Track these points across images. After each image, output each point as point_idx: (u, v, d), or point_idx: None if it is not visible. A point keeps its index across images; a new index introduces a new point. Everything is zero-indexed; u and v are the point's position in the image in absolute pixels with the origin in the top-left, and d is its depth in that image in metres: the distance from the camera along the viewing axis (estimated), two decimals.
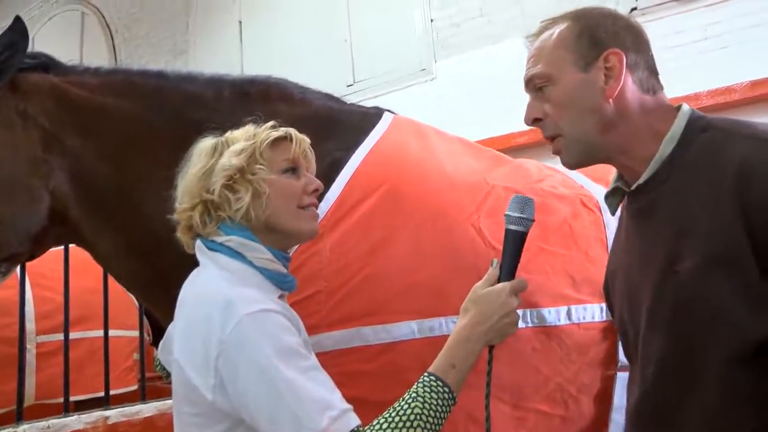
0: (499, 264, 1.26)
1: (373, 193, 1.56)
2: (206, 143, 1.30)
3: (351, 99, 2.10)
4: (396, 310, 1.45)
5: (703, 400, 1.06)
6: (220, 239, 1.22)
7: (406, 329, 1.44)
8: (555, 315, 1.57)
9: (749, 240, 1.01)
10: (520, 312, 1.51)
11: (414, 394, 1.08)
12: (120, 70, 1.83)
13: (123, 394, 2.97)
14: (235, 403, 1.07)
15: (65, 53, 1.91)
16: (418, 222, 1.54)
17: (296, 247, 1.48)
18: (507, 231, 1.27)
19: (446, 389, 1.10)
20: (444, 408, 1.09)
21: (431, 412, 1.06)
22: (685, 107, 1.20)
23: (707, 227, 1.05)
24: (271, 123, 1.32)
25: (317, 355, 1.25)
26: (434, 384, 1.10)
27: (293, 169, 1.29)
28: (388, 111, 1.87)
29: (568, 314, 1.57)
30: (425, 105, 5.30)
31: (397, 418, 1.04)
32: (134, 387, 3.17)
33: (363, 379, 1.41)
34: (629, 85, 1.18)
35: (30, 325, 2.79)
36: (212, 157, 1.26)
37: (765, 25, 4.26)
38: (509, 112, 1.22)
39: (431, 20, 5.93)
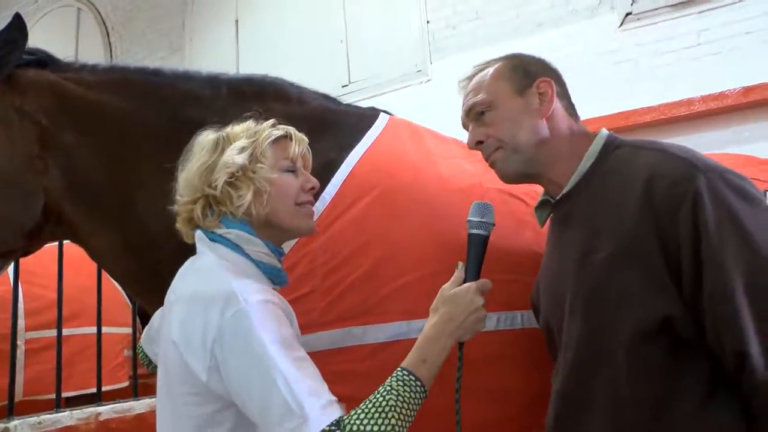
0: (464, 266, 1.33)
1: (367, 194, 1.57)
2: (208, 137, 1.34)
3: (346, 99, 2.11)
4: (388, 310, 1.47)
5: (613, 373, 1.19)
6: (220, 231, 1.28)
7: (399, 329, 1.46)
8: None
9: (656, 236, 1.15)
10: (512, 314, 1.54)
11: (388, 387, 1.14)
12: (117, 68, 1.83)
13: (113, 391, 2.97)
14: (227, 387, 1.13)
15: (61, 49, 1.91)
16: (412, 223, 1.55)
17: (292, 243, 1.49)
18: (469, 235, 1.35)
19: (418, 383, 1.16)
20: (416, 400, 1.15)
21: (404, 403, 1.12)
22: (604, 131, 1.38)
23: (617, 225, 1.21)
24: (271, 121, 1.36)
25: (310, 354, 1.26)
26: (407, 378, 1.16)
27: (292, 168, 1.34)
28: (384, 112, 1.88)
29: None
30: (421, 106, 5.30)
31: (373, 409, 1.10)
32: (125, 384, 3.17)
33: (355, 378, 1.41)
34: (558, 109, 1.39)
35: (19, 322, 2.78)
36: (214, 153, 1.30)
37: (757, 32, 4.29)
38: None
39: (427, 22, 5.94)
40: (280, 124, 1.36)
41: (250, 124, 1.36)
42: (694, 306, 1.14)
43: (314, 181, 1.36)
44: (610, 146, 1.33)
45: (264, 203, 1.28)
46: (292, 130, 1.36)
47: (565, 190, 1.34)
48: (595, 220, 1.26)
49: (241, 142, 1.30)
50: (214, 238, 1.28)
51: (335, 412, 1.09)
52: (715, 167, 1.18)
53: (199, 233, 1.30)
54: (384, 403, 1.11)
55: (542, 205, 1.44)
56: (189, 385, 1.18)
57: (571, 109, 1.42)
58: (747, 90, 4.23)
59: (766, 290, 1.10)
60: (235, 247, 1.26)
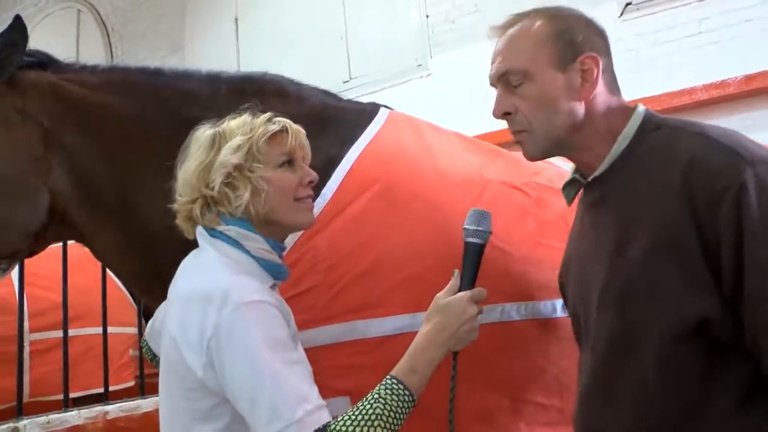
0: (460, 274, 1.31)
1: (368, 189, 1.58)
2: (204, 134, 1.33)
3: (347, 95, 2.11)
4: (391, 304, 1.47)
5: (639, 369, 1.12)
6: (220, 227, 1.28)
7: (401, 322, 1.46)
8: (550, 308, 1.59)
9: (696, 230, 1.06)
10: (515, 305, 1.54)
11: (376, 395, 1.14)
12: (118, 68, 1.84)
13: (119, 391, 2.98)
14: (221, 383, 1.14)
15: (61, 50, 1.92)
16: (413, 217, 1.56)
17: (293, 239, 1.49)
18: (465, 243, 1.33)
19: (407, 392, 1.16)
20: (403, 409, 1.14)
21: (391, 413, 1.12)
22: (641, 108, 1.25)
23: (655, 215, 1.11)
24: (267, 116, 1.35)
25: (313, 349, 1.28)
26: (395, 387, 1.16)
27: (289, 162, 1.33)
28: (385, 106, 1.89)
29: (563, 307, 1.59)
30: (421, 100, 5.30)
31: (360, 417, 1.10)
32: (130, 383, 3.19)
33: (359, 372, 1.43)
34: (600, 89, 1.22)
35: (25, 324, 2.80)
36: (211, 151, 1.30)
37: (757, 20, 4.27)
38: None
39: (426, 16, 5.93)
40: (275, 117, 1.35)
41: (246, 118, 1.34)
42: (733, 306, 1.06)
43: (313, 175, 1.36)
44: (648, 126, 1.21)
45: (262, 202, 1.27)
46: (287, 122, 1.35)
47: (597, 173, 1.23)
48: (631, 208, 1.16)
49: (237, 140, 1.29)
50: (214, 234, 1.28)
51: (323, 417, 1.10)
52: (763, 158, 1.07)
53: (200, 229, 1.31)
54: (371, 412, 1.11)
55: (571, 184, 1.33)
56: (187, 380, 1.19)
57: (613, 83, 1.26)
58: (749, 78, 4.23)
59: None
60: (235, 244, 1.26)
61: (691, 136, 1.14)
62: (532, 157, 1.29)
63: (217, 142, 1.30)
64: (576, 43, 1.21)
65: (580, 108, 1.21)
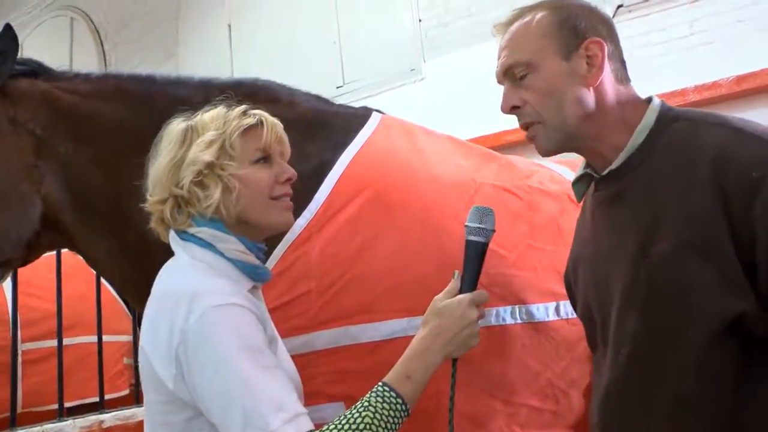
0: (461, 275, 1.24)
1: (360, 194, 1.58)
2: (176, 128, 1.25)
3: (341, 100, 2.11)
4: (384, 309, 1.47)
5: (680, 382, 1.07)
6: (191, 230, 1.20)
7: (395, 327, 1.46)
8: (543, 311, 1.58)
9: (728, 225, 1.03)
10: (509, 309, 1.54)
11: (366, 403, 1.07)
12: (110, 76, 1.84)
13: (113, 399, 2.96)
14: (192, 394, 1.07)
15: (55, 58, 1.93)
16: (406, 221, 1.56)
17: (285, 244, 1.49)
18: (467, 242, 1.26)
19: (399, 400, 1.09)
20: (395, 419, 1.07)
21: (381, 422, 1.05)
22: (656, 100, 1.22)
23: (682, 212, 1.07)
24: (241, 108, 1.27)
25: (307, 354, 1.26)
26: (387, 394, 1.09)
27: (265, 158, 1.25)
28: (377, 111, 1.89)
29: (557, 310, 1.59)
30: (415, 105, 5.32)
31: (347, 426, 1.03)
32: (124, 392, 3.17)
33: (353, 377, 1.42)
34: (608, 75, 1.20)
35: (17, 333, 2.79)
36: (182, 147, 1.22)
37: (748, 21, 4.30)
38: (498, 111, 1.23)
39: (419, 20, 5.95)
40: (251, 109, 1.27)
41: (220, 111, 1.25)
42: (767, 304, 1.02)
43: (291, 171, 1.27)
44: (666, 117, 1.17)
45: (234, 201, 1.19)
46: (264, 115, 1.26)
47: (613, 167, 1.19)
48: (655, 205, 1.11)
49: (209, 135, 1.20)
50: (186, 237, 1.20)
51: (301, 425, 1.02)
52: None
53: (171, 233, 1.23)
54: (359, 421, 1.04)
55: (581, 179, 1.29)
56: (159, 393, 1.12)
57: (622, 71, 1.23)
58: (740, 79, 4.24)
59: None
60: (208, 246, 1.19)
61: (714, 128, 1.11)
62: (545, 152, 1.25)
63: (188, 138, 1.22)
64: (579, 29, 1.20)
65: (589, 95, 1.19)
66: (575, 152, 1.27)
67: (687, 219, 1.06)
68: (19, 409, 2.60)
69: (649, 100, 1.23)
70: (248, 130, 1.23)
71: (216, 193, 1.18)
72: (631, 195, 1.17)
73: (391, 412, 1.07)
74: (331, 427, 1.04)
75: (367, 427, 1.04)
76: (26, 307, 3.04)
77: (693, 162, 1.08)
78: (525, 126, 1.25)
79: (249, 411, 1.01)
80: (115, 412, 2.68)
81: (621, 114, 1.20)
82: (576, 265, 1.35)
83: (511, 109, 1.24)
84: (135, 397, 2.92)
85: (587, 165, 1.28)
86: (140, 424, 2.66)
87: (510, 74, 1.24)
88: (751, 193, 1.01)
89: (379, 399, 1.08)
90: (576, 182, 1.30)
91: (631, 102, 1.22)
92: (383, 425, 1.05)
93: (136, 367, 2.94)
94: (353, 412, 1.06)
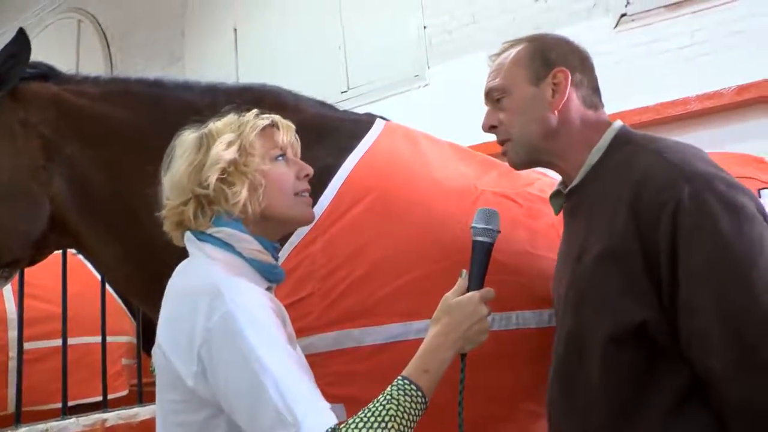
0: (468, 274, 1.29)
1: (364, 199, 1.60)
2: (189, 136, 1.28)
3: (345, 105, 2.14)
4: (385, 312, 1.49)
5: (588, 372, 1.21)
6: (209, 230, 1.22)
7: (397, 330, 1.48)
8: (543, 317, 1.59)
9: (639, 241, 1.15)
10: (507, 315, 1.56)
11: (389, 396, 1.09)
12: (118, 80, 1.87)
13: (111, 400, 2.93)
14: (215, 392, 1.07)
15: (62, 61, 1.95)
16: (408, 225, 1.58)
17: (290, 246, 1.51)
18: (474, 242, 1.32)
19: (419, 393, 1.11)
20: (416, 410, 1.10)
21: (404, 414, 1.07)
22: (617, 123, 1.36)
23: (606, 226, 1.21)
24: (254, 112, 1.30)
25: (310, 356, 1.27)
26: (408, 387, 1.11)
27: (283, 155, 1.29)
28: (381, 117, 1.92)
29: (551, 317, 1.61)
30: (419, 111, 5.33)
31: (372, 418, 1.05)
32: (123, 393, 3.14)
33: (355, 379, 1.44)
34: (574, 101, 1.35)
35: (12, 333, 2.79)
36: (199, 152, 1.24)
37: (749, 32, 4.31)
38: None
39: (424, 27, 5.97)
40: (263, 113, 1.30)
41: (232, 117, 1.29)
42: (670, 314, 1.13)
43: (308, 168, 1.31)
44: (619, 141, 1.31)
45: (260, 197, 1.22)
46: (277, 117, 1.30)
47: (573, 183, 1.34)
48: (591, 219, 1.27)
49: (227, 137, 1.23)
50: (202, 238, 1.22)
51: (329, 419, 1.04)
52: (704, 174, 1.15)
53: (188, 235, 1.24)
54: (384, 413, 1.06)
55: (556, 195, 1.44)
56: (177, 392, 1.12)
57: (592, 97, 1.38)
58: (741, 88, 4.25)
59: (737, 306, 1.07)
60: (226, 246, 1.20)
61: (648, 153, 1.23)
62: (514, 165, 1.42)
63: (205, 143, 1.25)
64: (550, 60, 1.36)
65: (553, 117, 1.34)
66: (545, 167, 1.43)
67: (609, 233, 1.19)
68: (11, 409, 2.60)
69: (611, 123, 1.36)
70: (264, 130, 1.28)
71: (243, 190, 1.21)
72: (582, 208, 1.32)
73: (413, 404, 1.10)
74: (356, 420, 1.05)
75: (392, 419, 1.06)
76: (26, 306, 3.05)
77: (623, 182, 1.22)
78: (500, 143, 1.42)
79: (277, 406, 1.01)
80: (117, 411, 2.69)
81: (583, 135, 1.34)
82: (555, 269, 1.47)
83: (489, 128, 1.42)
84: (138, 397, 2.93)
85: (561, 182, 1.42)
86: (143, 423, 2.69)
87: (490, 97, 1.42)
88: (656, 215, 1.13)
89: (401, 392, 1.10)
90: (552, 197, 1.46)
91: (594, 125, 1.35)
92: (406, 417, 1.08)
93: (138, 367, 2.99)
94: (376, 405, 1.08)
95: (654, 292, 1.14)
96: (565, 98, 1.33)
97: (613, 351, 1.17)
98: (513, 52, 1.41)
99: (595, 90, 1.39)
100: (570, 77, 1.34)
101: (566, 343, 1.27)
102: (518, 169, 1.44)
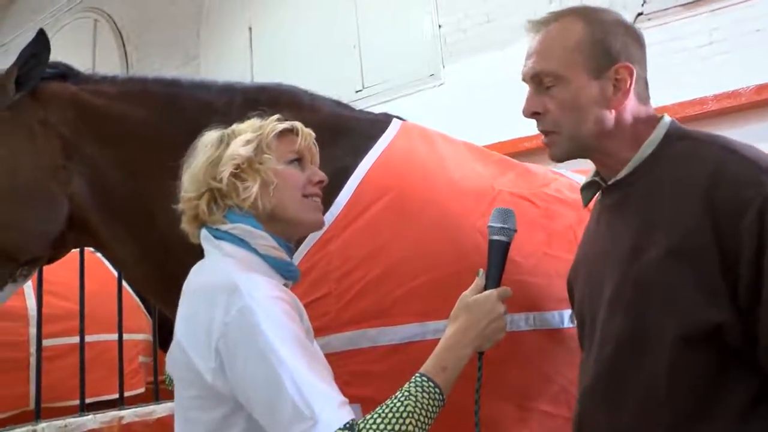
0: (485, 273, 1.30)
1: (380, 199, 1.60)
2: (212, 135, 1.31)
3: (360, 104, 2.14)
4: (402, 312, 1.49)
5: (649, 371, 1.12)
6: (225, 227, 1.24)
7: (413, 330, 1.48)
8: (558, 318, 1.60)
9: (715, 238, 1.07)
10: (523, 315, 1.56)
11: (407, 393, 1.10)
12: (136, 79, 1.88)
13: (128, 398, 2.94)
14: (233, 387, 1.08)
15: (78, 60, 1.97)
16: (425, 226, 1.58)
17: (306, 247, 1.52)
18: (490, 241, 1.33)
19: (437, 390, 1.12)
20: (434, 407, 1.11)
21: (422, 410, 1.08)
22: (666, 118, 1.26)
23: (675, 220, 1.12)
24: (276, 116, 1.33)
25: (326, 356, 1.28)
26: (426, 384, 1.12)
27: (298, 160, 1.31)
28: (397, 117, 1.91)
29: (571, 318, 1.60)
30: (434, 110, 5.33)
31: (390, 415, 1.06)
32: (140, 390, 3.16)
33: (371, 379, 1.44)
34: (631, 99, 1.23)
35: (32, 330, 2.82)
36: (219, 148, 1.27)
37: (767, 30, 4.27)
38: (517, 117, 1.24)
39: (439, 26, 5.97)
40: (286, 119, 1.33)
41: (255, 120, 1.33)
42: (746, 316, 1.06)
43: (322, 175, 1.33)
44: (673, 136, 1.22)
45: (270, 195, 1.24)
46: (298, 124, 1.33)
47: (619, 176, 1.25)
48: (651, 213, 1.17)
49: (247, 135, 1.27)
50: (218, 235, 1.23)
51: (347, 414, 1.04)
52: None
53: (204, 232, 1.26)
54: (402, 409, 1.07)
55: (589, 186, 1.34)
56: (195, 388, 1.13)
57: (644, 91, 1.26)
58: (760, 88, 4.21)
59: None
60: (241, 242, 1.22)
61: (716, 148, 1.16)
62: (556, 159, 1.30)
63: (225, 140, 1.28)
64: (612, 51, 1.21)
65: (609, 116, 1.22)
66: (586, 158, 1.31)
67: (679, 228, 1.11)
68: (31, 405, 2.64)
69: (661, 117, 1.27)
70: (284, 134, 1.31)
71: (254, 186, 1.23)
72: (632, 202, 1.22)
73: (431, 401, 1.11)
74: (374, 416, 1.06)
75: (410, 415, 1.07)
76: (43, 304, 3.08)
77: (690, 176, 1.14)
78: (543, 132, 1.28)
79: (295, 401, 1.02)
80: (134, 409, 2.71)
81: (634, 130, 1.24)
82: (578, 265, 1.39)
83: (532, 114, 1.27)
84: (155, 395, 2.95)
85: (596, 173, 1.32)
86: (159, 420, 2.71)
87: (537, 80, 1.26)
88: (739, 213, 1.06)
89: (419, 389, 1.11)
90: (584, 188, 1.35)
91: (645, 120, 1.25)
92: (423, 413, 1.09)
93: (154, 365, 3.01)
94: (394, 401, 1.09)
95: (729, 292, 1.07)
96: (628, 98, 1.22)
97: (683, 352, 1.09)
98: (567, 30, 1.24)
99: (647, 83, 1.28)
100: (634, 74, 1.21)
101: (618, 342, 1.17)
102: (557, 162, 1.32)
